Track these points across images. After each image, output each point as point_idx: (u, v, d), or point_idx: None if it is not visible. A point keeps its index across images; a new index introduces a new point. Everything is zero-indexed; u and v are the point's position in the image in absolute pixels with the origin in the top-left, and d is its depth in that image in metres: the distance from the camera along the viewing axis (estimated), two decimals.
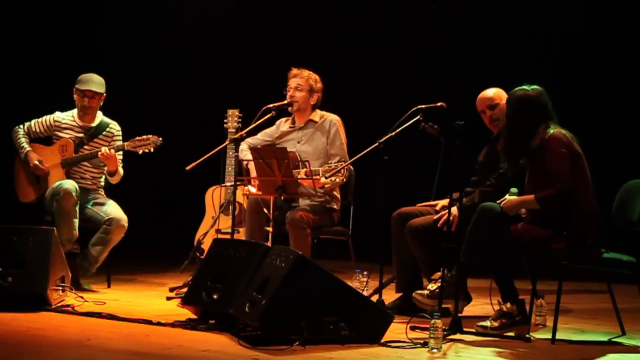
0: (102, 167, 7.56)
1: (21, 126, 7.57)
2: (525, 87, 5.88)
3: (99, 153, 7.35)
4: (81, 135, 7.52)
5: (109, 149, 7.34)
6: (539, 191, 5.71)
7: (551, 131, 5.75)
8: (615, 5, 9.52)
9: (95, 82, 7.47)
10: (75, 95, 7.51)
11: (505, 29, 9.72)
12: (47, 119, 7.57)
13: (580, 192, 5.71)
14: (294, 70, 7.33)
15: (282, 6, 10.41)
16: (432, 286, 6.20)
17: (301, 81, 7.27)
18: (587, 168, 5.79)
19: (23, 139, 7.52)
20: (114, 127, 7.64)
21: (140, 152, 7.38)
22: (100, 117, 7.60)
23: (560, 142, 5.73)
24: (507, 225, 5.75)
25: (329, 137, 7.24)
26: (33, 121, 7.58)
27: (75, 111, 7.59)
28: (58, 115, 7.58)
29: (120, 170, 7.49)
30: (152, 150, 7.37)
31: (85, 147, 7.50)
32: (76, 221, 7.21)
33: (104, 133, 7.58)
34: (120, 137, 7.62)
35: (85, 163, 7.51)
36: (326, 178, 6.71)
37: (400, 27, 10.20)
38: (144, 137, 7.37)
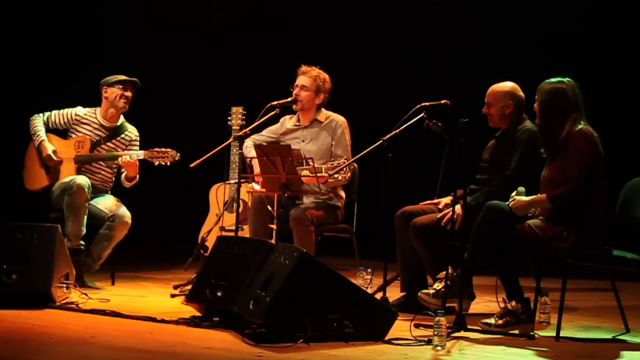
0: (115, 168, 7.56)
1: (40, 115, 7.55)
2: (559, 78, 5.87)
3: (120, 159, 7.34)
4: (100, 134, 7.52)
5: (131, 156, 7.33)
6: (556, 187, 5.70)
7: (580, 126, 5.75)
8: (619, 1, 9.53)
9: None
10: (108, 92, 7.49)
11: (508, 25, 9.71)
12: (69, 112, 7.56)
13: (597, 193, 5.70)
14: (303, 68, 7.31)
15: (287, 3, 10.41)
16: (438, 285, 6.20)
17: (308, 81, 7.26)
18: (605, 170, 5.78)
19: (40, 127, 7.48)
20: (132, 131, 7.64)
21: (157, 163, 7.38)
22: (122, 119, 7.61)
23: (588, 139, 5.72)
24: (514, 224, 5.75)
25: (335, 138, 7.24)
26: (54, 112, 7.57)
27: (98, 110, 7.58)
28: (80, 110, 7.57)
29: (137, 176, 7.49)
30: (168, 164, 7.36)
31: (102, 147, 7.51)
32: (85, 218, 7.22)
33: (122, 136, 7.58)
34: (138, 143, 7.62)
35: (100, 162, 7.50)
36: (329, 176, 6.72)
37: (404, 24, 10.19)
38: (163, 149, 7.37)
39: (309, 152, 7.15)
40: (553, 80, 5.88)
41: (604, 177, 5.76)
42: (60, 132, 7.58)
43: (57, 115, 7.56)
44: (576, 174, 5.66)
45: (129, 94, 7.53)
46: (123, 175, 7.50)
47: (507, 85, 6.51)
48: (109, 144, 7.54)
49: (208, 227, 7.57)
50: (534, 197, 5.77)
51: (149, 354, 5.04)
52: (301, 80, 7.28)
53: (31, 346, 5.17)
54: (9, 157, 7.80)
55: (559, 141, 5.77)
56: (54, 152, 7.42)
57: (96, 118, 7.56)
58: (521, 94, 6.49)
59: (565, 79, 5.88)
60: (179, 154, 7.37)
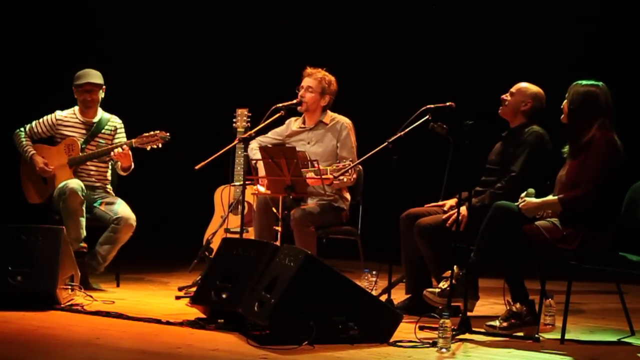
0: (108, 161, 7.57)
1: (22, 129, 7.56)
2: (593, 81, 5.87)
3: (112, 153, 7.35)
4: (84, 132, 7.52)
5: (123, 148, 7.33)
6: (571, 188, 5.70)
7: (609, 133, 5.73)
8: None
9: (91, 75, 7.47)
10: (77, 94, 7.51)
11: (513, 27, 9.70)
12: (48, 118, 7.56)
13: (613, 199, 5.70)
14: (309, 70, 7.31)
15: (292, 5, 10.41)
16: (443, 284, 6.19)
17: (313, 82, 7.26)
18: (622, 178, 5.78)
19: (25, 141, 7.51)
20: (115, 120, 7.64)
21: (149, 148, 7.38)
22: (100, 112, 7.60)
23: (612, 146, 5.71)
24: (521, 225, 5.74)
25: (340, 140, 7.24)
26: (34, 122, 7.57)
27: (76, 108, 7.59)
28: (59, 114, 7.57)
29: (132, 164, 7.49)
30: (160, 145, 7.36)
31: (91, 144, 7.51)
32: (83, 220, 7.22)
33: (106, 127, 7.58)
34: (123, 130, 7.63)
35: (93, 159, 7.51)
36: (334, 178, 6.72)
37: (409, 26, 10.19)
38: (152, 133, 7.37)
39: (314, 154, 7.15)
40: (587, 82, 5.87)
41: (620, 185, 5.76)
42: (46, 139, 7.58)
43: (38, 125, 7.56)
44: (592, 179, 5.64)
45: (93, 96, 7.49)
46: (118, 165, 7.50)
47: (536, 88, 6.54)
48: (96, 139, 7.54)
49: (213, 229, 7.58)
50: (544, 199, 5.76)
51: (154, 356, 5.04)
52: (306, 82, 7.28)
53: (36, 348, 5.17)
54: (11, 158, 7.78)
55: (581, 143, 5.76)
56: (46, 164, 7.43)
57: (76, 117, 7.56)
58: (544, 102, 6.51)
59: (600, 83, 5.87)
60: (168, 134, 7.36)
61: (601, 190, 5.65)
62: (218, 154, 6.99)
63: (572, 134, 5.86)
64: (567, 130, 5.90)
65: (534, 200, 5.77)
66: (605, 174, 5.66)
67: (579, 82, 5.90)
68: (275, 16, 10.48)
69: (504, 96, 6.54)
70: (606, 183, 5.66)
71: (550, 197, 5.77)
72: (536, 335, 5.71)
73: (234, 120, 7.63)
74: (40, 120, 7.57)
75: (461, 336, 5.64)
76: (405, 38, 10.18)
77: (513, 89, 6.55)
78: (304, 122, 7.41)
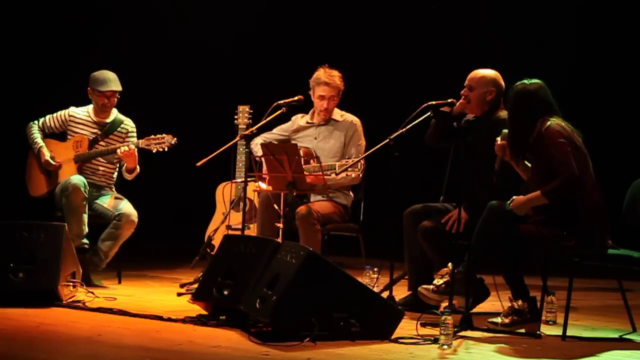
0: (116, 163, 7.58)
1: (35, 122, 7.59)
2: (524, 81, 5.83)
3: (118, 151, 7.35)
4: (96, 131, 7.53)
5: (129, 147, 7.34)
6: (543, 186, 5.67)
7: (548, 123, 5.70)
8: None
9: (112, 81, 7.46)
10: (92, 95, 7.51)
11: (513, 24, 9.70)
12: (62, 114, 7.58)
13: (584, 187, 5.67)
14: (323, 77, 7.22)
15: (293, 1, 10.40)
16: (438, 281, 6.18)
17: (334, 91, 7.25)
18: (589, 162, 5.75)
19: (37, 134, 7.53)
20: (128, 123, 7.65)
21: (154, 150, 7.38)
22: (115, 113, 7.61)
23: (557, 132, 5.66)
24: (516, 224, 5.73)
25: (348, 137, 7.25)
26: (47, 117, 7.60)
27: (90, 107, 7.60)
28: (73, 110, 7.59)
29: (137, 167, 7.50)
30: (166, 149, 7.36)
31: (100, 143, 7.52)
32: (85, 216, 7.23)
33: (119, 130, 7.59)
34: (135, 134, 7.63)
35: (99, 158, 7.52)
36: (336, 175, 6.71)
37: (411, 23, 10.18)
38: (159, 136, 7.37)
39: (321, 149, 7.17)
40: (517, 84, 5.84)
41: (589, 170, 5.73)
42: (58, 135, 7.59)
43: (51, 120, 7.58)
44: (562, 168, 5.59)
45: (112, 101, 7.50)
46: (124, 168, 7.51)
47: (492, 72, 6.48)
48: (106, 139, 7.55)
49: (214, 225, 7.58)
50: (529, 195, 5.71)
51: (156, 353, 5.05)
52: (327, 91, 7.20)
53: (38, 344, 5.18)
54: (14, 157, 7.80)
55: (530, 143, 5.71)
56: (52, 157, 7.44)
57: (89, 116, 7.57)
58: (502, 82, 6.45)
59: (529, 82, 5.83)
60: (175, 138, 7.37)
61: (578, 175, 5.60)
62: (219, 150, 6.99)
63: (516, 139, 5.79)
64: (511, 136, 5.84)
65: (521, 197, 5.73)
66: (572, 160, 5.62)
67: (513, 85, 5.85)
68: (276, 12, 10.47)
69: (463, 92, 6.46)
70: (578, 169, 5.62)
71: (535, 193, 5.72)
72: (537, 332, 5.71)
73: (236, 117, 7.63)
74: (54, 115, 7.59)
75: (463, 333, 5.64)
76: (406, 34, 10.17)
77: (470, 82, 6.45)
78: (311, 118, 7.42)
